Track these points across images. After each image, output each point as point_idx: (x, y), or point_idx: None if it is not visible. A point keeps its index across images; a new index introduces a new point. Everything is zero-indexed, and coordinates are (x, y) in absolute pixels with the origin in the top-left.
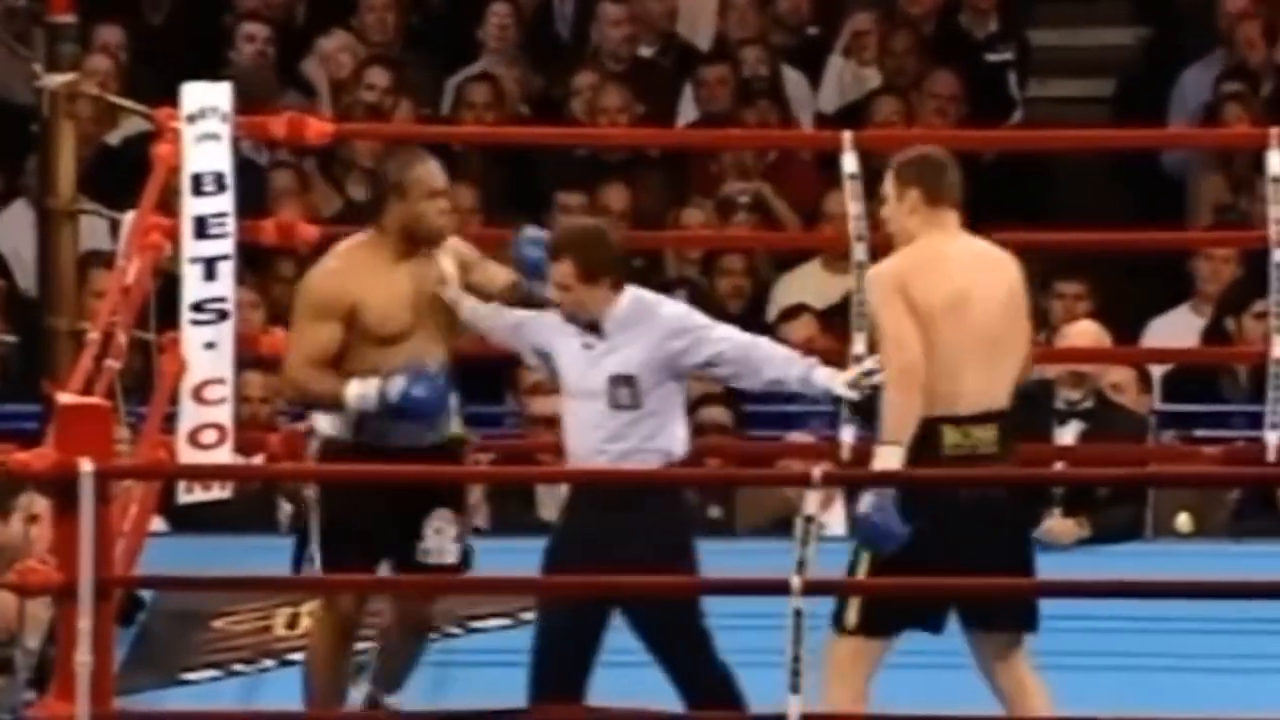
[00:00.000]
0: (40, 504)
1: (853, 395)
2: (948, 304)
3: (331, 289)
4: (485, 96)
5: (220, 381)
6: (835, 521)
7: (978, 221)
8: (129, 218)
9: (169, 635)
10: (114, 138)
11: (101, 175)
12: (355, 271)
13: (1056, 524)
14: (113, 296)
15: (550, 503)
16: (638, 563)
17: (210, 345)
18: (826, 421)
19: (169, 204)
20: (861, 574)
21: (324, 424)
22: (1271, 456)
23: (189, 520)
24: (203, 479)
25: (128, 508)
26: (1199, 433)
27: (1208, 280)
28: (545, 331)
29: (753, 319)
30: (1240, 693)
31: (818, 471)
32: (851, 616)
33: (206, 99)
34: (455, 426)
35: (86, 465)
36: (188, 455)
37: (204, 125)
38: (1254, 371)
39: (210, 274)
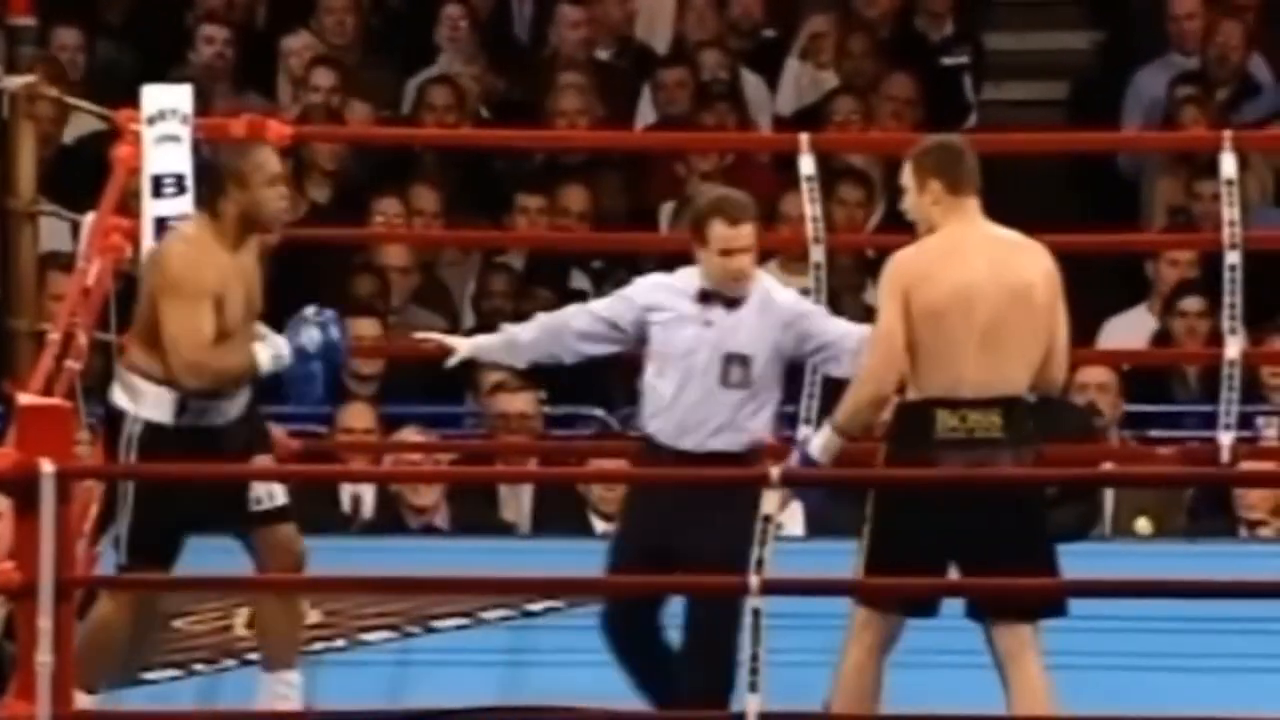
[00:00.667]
0: (1, 504)
1: None
2: (954, 298)
3: (200, 270)
4: (446, 99)
5: None
6: (793, 522)
7: None
8: (89, 219)
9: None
10: (67, 137)
11: (56, 175)
12: (211, 256)
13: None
14: (73, 297)
15: (512, 503)
16: (700, 547)
17: None
18: (785, 422)
19: (129, 205)
20: (862, 547)
21: (149, 410)
22: (1226, 457)
23: None
24: (162, 479)
25: (88, 508)
26: (1154, 433)
27: (1164, 282)
28: (657, 295)
29: None
30: (1199, 691)
31: (776, 471)
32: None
33: (166, 101)
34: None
35: (47, 466)
36: None
37: (164, 127)
38: (1203, 373)
39: None
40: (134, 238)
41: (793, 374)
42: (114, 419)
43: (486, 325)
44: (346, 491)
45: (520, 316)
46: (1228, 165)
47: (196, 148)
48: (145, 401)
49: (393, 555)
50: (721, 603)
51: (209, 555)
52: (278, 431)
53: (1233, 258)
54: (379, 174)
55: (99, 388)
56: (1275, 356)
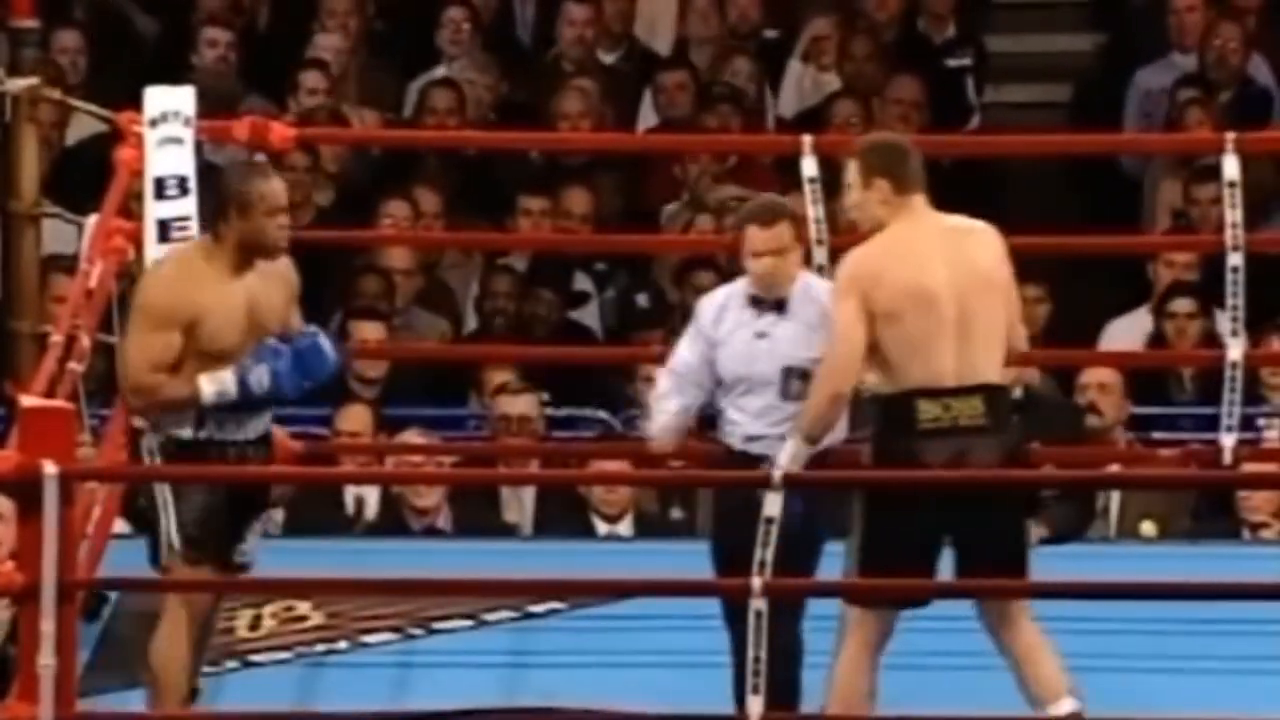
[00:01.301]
0: (4, 505)
1: None
2: (914, 295)
3: (173, 298)
4: (448, 102)
5: None
6: None
7: None
8: (91, 221)
9: (132, 637)
10: (69, 139)
11: (57, 177)
12: (195, 281)
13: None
14: (75, 300)
15: (514, 505)
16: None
17: None
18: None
19: (131, 208)
20: (854, 545)
21: (169, 424)
22: (1228, 459)
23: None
24: (165, 480)
25: (91, 510)
26: (1155, 435)
27: (1163, 284)
28: (717, 326)
29: None
30: (1202, 693)
31: (778, 473)
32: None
33: (169, 103)
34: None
35: (50, 468)
36: None
37: (166, 129)
38: (1198, 375)
39: None
40: (136, 240)
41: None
42: (134, 437)
43: (489, 327)
44: (350, 493)
45: (523, 318)
46: (1230, 167)
47: (199, 152)
48: (165, 416)
49: (395, 557)
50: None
51: None
52: (279, 433)
53: (1235, 259)
54: (381, 177)
55: (101, 390)
56: (1276, 358)
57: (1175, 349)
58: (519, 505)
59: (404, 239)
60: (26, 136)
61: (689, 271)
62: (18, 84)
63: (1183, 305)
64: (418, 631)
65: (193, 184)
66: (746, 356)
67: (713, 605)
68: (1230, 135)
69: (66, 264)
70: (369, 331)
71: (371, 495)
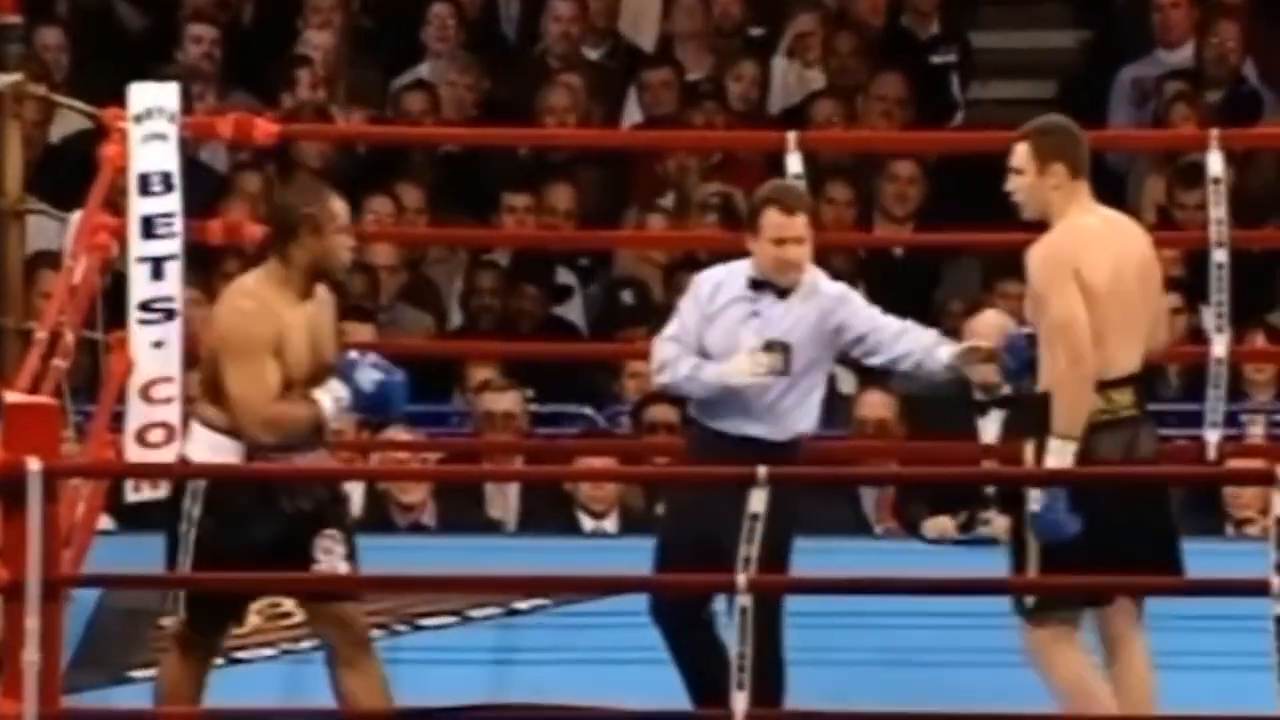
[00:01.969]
0: None
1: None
2: (1109, 281)
3: (262, 326)
4: (421, 105)
5: (168, 380)
6: None
7: (922, 222)
8: (76, 218)
9: (116, 633)
10: (53, 136)
11: (42, 174)
12: (275, 309)
13: (1000, 521)
14: (60, 296)
15: (499, 501)
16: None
17: (158, 344)
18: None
19: (116, 204)
20: (1031, 563)
21: (204, 455)
22: (1212, 455)
23: (136, 519)
24: (150, 477)
25: (75, 506)
26: None
27: None
28: (711, 304)
29: None
30: (1185, 689)
31: (763, 469)
32: (1030, 598)
33: (153, 99)
34: None
35: (34, 464)
36: (135, 454)
37: (151, 125)
38: (1183, 371)
39: (158, 273)
40: (121, 236)
41: None
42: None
43: (474, 323)
44: None
45: (507, 314)
46: (1215, 164)
47: (184, 147)
48: (209, 451)
49: (380, 553)
50: (764, 604)
51: None
52: None
53: (1219, 256)
54: (365, 174)
55: (86, 386)
56: (1260, 354)
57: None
58: (504, 501)
59: (389, 235)
60: (11, 133)
61: (678, 271)
62: (2, 80)
63: (1168, 301)
64: (403, 628)
65: (177, 180)
66: (734, 333)
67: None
68: (1215, 132)
69: (54, 260)
70: (357, 331)
71: (356, 492)
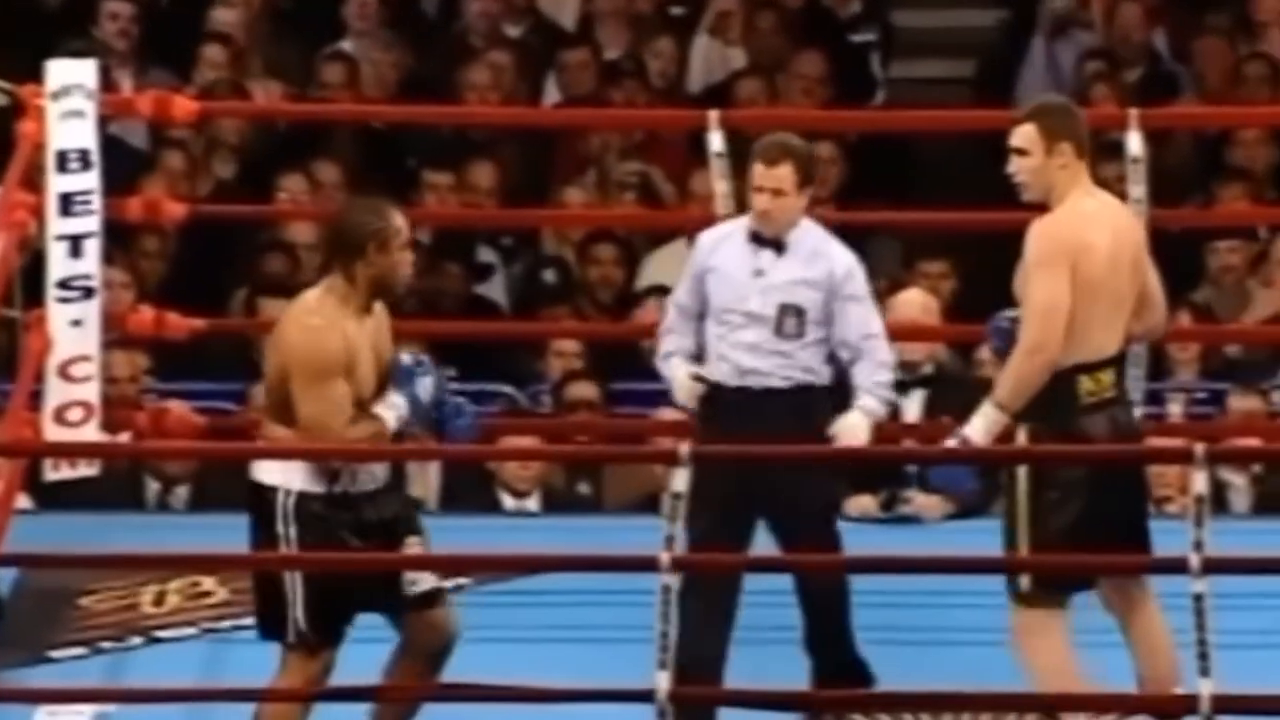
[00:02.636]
0: None
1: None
2: (1106, 267)
3: (334, 346)
4: (340, 76)
5: (86, 359)
6: None
7: (845, 201)
8: None
9: (35, 613)
10: None
11: None
12: (343, 327)
13: (921, 499)
14: None
15: (420, 480)
16: (774, 471)
17: (76, 323)
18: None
19: (34, 181)
20: (1022, 543)
21: (302, 480)
22: None
23: (55, 498)
24: (69, 456)
25: None
26: None
27: None
28: (712, 254)
29: (622, 307)
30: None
31: (685, 449)
32: (1025, 581)
33: (71, 76)
34: None
35: None
36: (54, 433)
37: (68, 102)
38: None
39: (76, 251)
40: (39, 214)
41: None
42: (262, 494)
43: (395, 303)
44: None
45: (429, 293)
46: (1134, 143)
47: (102, 125)
48: (299, 473)
49: None
50: (807, 533)
51: (114, 532)
52: (182, 408)
53: None
54: (285, 150)
55: (3, 365)
56: (1182, 334)
57: None
58: (425, 480)
59: (309, 214)
60: None
61: (591, 245)
62: None
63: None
64: None
65: (95, 158)
66: (740, 291)
67: (620, 580)
68: (1134, 111)
69: None
70: (275, 308)
71: None
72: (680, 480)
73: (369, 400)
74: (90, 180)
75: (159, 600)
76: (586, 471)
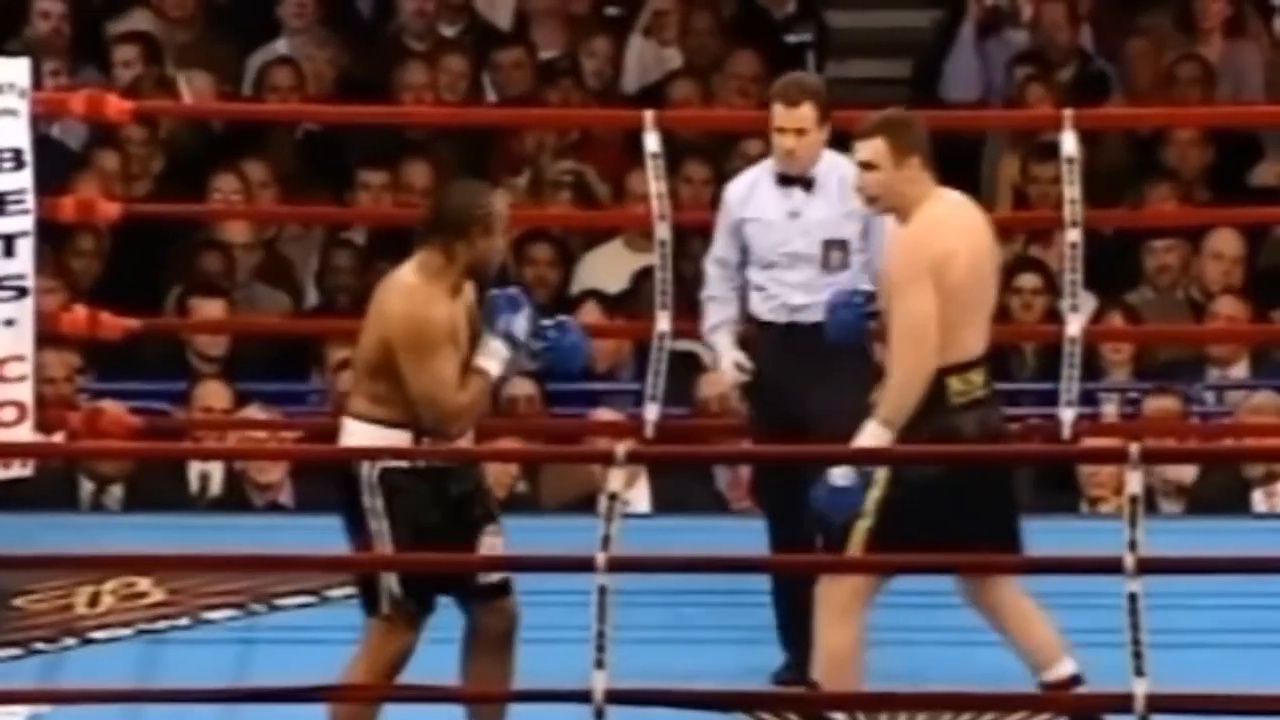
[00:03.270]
0: None
1: None
2: (969, 270)
3: (439, 318)
4: (288, 79)
5: (20, 359)
6: (639, 499)
7: None
8: None
9: None
10: None
11: None
12: (438, 303)
13: None
14: None
15: None
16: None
17: (9, 323)
18: (631, 399)
19: None
20: (866, 519)
21: (387, 455)
22: (1067, 433)
23: None
24: (3, 457)
25: None
26: None
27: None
28: (745, 206)
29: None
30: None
31: (622, 449)
32: (855, 547)
33: (3, 75)
34: None
35: None
36: None
37: (1, 101)
38: (1039, 350)
39: (9, 251)
40: None
41: (641, 352)
42: (348, 469)
43: (330, 302)
44: (195, 469)
45: (364, 293)
46: (1068, 144)
47: (35, 124)
48: (380, 444)
49: (236, 533)
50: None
51: (48, 532)
52: (117, 409)
53: (1073, 235)
54: (216, 149)
55: None
56: (1114, 334)
57: (1021, 324)
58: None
59: (246, 213)
60: None
61: (525, 245)
62: None
63: (1029, 281)
64: (260, 608)
65: (29, 157)
66: (781, 235)
67: (556, 580)
68: (1069, 112)
69: None
70: (209, 308)
71: (217, 471)
72: (616, 480)
73: (464, 367)
74: (24, 179)
75: (94, 601)
76: (523, 471)
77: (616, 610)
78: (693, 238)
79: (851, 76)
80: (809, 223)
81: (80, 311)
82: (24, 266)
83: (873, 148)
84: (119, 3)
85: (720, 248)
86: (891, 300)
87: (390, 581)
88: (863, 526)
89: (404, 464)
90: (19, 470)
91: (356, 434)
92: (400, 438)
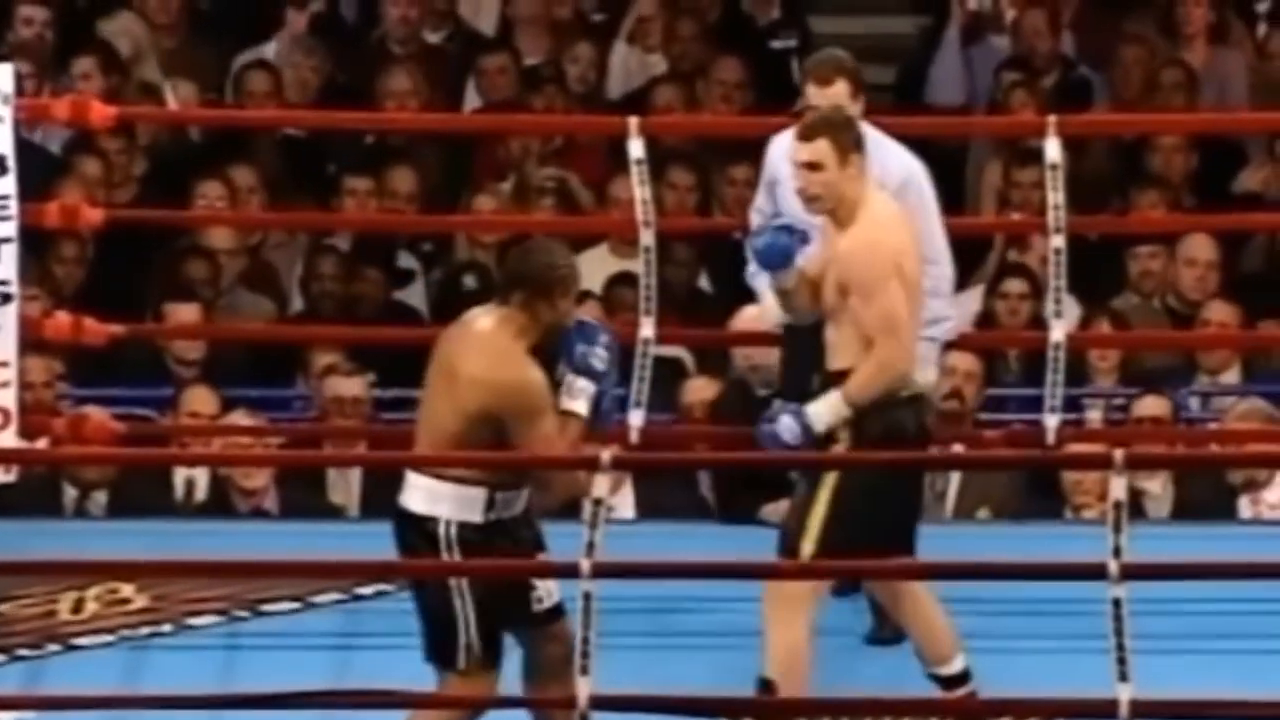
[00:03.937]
0: None
1: None
2: (917, 262)
3: (542, 379)
4: (265, 85)
5: (3, 365)
6: (624, 505)
7: None
8: None
9: None
10: None
11: None
12: (533, 361)
13: None
14: None
15: (341, 486)
16: None
17: None
18: (616, 405)
19: None
20: (821, 506)
21: (462, 511)
22: (1051, 439)
23: None
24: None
25: None
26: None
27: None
28: (780, 165)
29: None
30: (1021, 673)
31: (606, 455)
32: (808, 547)
33: None
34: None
35: None
36: None
37: None
38: (1024, 356)
39: None
40: None
41: (625, 356)
42: (420, 525)
43: (315, 308)
44: (180, 475)
45: (349, 299)
46: (1052, 150)
47: (18, 129)
48: (457, 504)
49: (221, 539)
50: None
51: (31, 539)
52: (100, 414)
53: (1057, 241)
54: (200, 155)
55: None
56: (1098, 340)
57: (1006, 330)
58: (346, 487)
59: (229, 219)
60: None
61: (509, 250)
62: None
63: (1015, 286)
64: (244, 614)
65: (12, 163)
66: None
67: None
68: (1052, 119)
69: None
70: (184, 313)
71: (202, 477)
72: (601, 486)
73: None
74: (7, 185)
75: (78, 607)
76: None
77: (601, 616)
78: (677, 244)
79: None
80: None
81: (64, 318)
82: (8, 272)
83: (818, 149)
84: (103, 8)
85: (761, 200)
86: (857, 301)
87: (470, 635)
88: (818, 517)
89: (476, 520)
90: (2, 476)
91: (434, 491)
92: (478, 495)
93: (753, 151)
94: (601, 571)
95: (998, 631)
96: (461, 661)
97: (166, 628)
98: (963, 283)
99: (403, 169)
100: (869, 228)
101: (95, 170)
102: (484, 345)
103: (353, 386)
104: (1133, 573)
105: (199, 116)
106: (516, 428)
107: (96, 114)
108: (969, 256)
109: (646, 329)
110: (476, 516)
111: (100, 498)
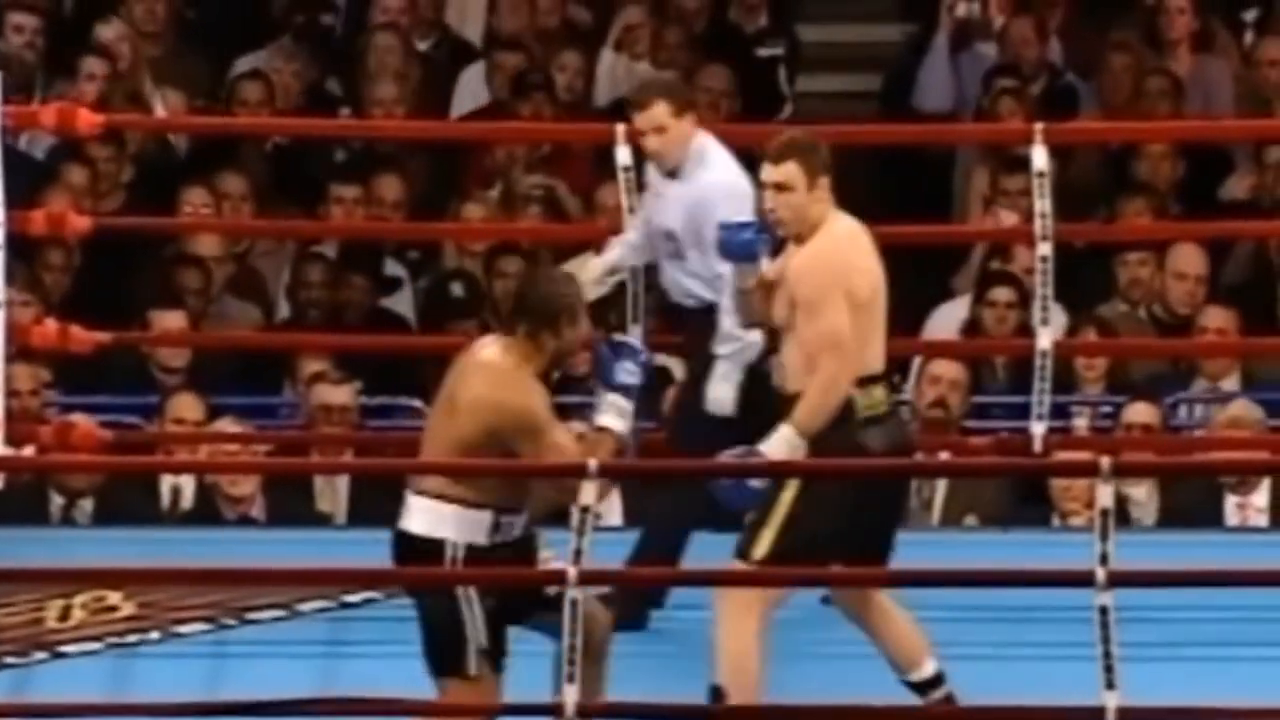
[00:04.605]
0: None
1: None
2: (874, 285)
3: (544, 403)
4: (258, 94)
5: None
6: (611, 512)
7: None
8: None
9: None
10: None
11: None
12: (538, 386)
13: None
14: None
15: (328, 494)
16: None
17: None
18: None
19: None
20: (777, 514)
21: (468, 534)
22: (1038, 447)
23: None
24: None
25: None
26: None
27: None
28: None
29: None
30: (1008, 680)
31: (593, 462)
32: (761, 549)
33: None
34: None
35: None
36: None
37: None
38: (1010, 363)
39: None
40: None
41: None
42: (425, 548)
43: (302, 315)
44: (167, 482)
45: (336, 307)
46: (1039, 158)
47: (4, 137)
48: (463, 526)
49: (208, 546)
50: None
51: (18, 546)
52: (87, 422)
53: (1044, 249)
54: (188, 163)
55: None
56: (1085, 348)
57: (994, 337)
58: (333, 494)
59: (216, 226)
60: None
61: (496, 258)
62: None
63: (1002, 294)
64: (231, 621)
65: None
66: (648, 212)
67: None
68: (1039, 126)
69: None
70: (170, 320)
71: (189, 485)
72: (589, 494)
73: None
74: None
75: (64, 615)
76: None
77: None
78: None
79: (822, 90)
80: (658, 205)
81: (50, 325)
82: None
83: (787, 171)
84: (91, 17)
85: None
86: (802, 317)
87: (480, 639)
88: (773, 524)
89: (482, 542)
90: None
91: (438, 514)
92: (482, 518)
93: (740, 159)
94: (588, 579)
95: (985, 639)
96: (470, 667)
97: (153, 635)
98: (949, 291)
99: (390, 177)
100: (822, 244)
101: (82, 178)
102: (486, 372)
103: (340, 394)
104: (1120, 580)
105: (186, 124)
106: (521, 446)
107: (84, 121)
108: (955, 264)
109: (634, 337)
110: (482, 539)
111: (86, 505)
